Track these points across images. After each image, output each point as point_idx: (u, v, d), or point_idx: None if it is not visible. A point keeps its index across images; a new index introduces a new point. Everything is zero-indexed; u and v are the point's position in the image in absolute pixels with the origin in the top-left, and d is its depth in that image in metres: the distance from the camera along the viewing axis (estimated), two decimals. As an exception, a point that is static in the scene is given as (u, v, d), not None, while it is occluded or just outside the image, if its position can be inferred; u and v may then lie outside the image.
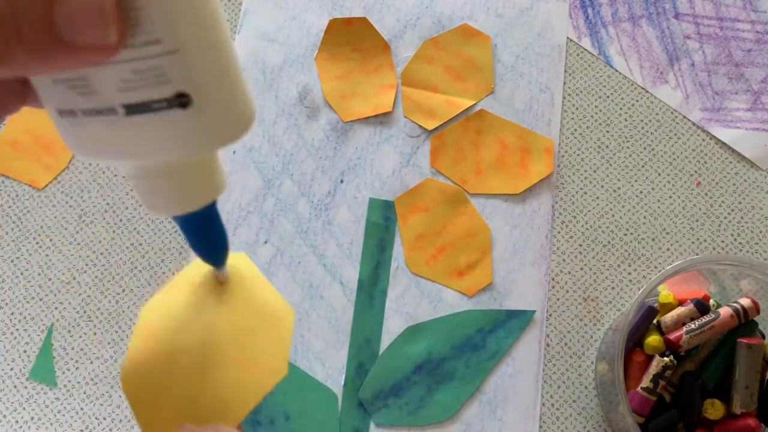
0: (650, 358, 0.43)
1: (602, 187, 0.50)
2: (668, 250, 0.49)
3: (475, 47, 0.53)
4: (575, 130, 0.52)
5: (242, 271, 0.29)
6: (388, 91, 0.52)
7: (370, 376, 0.46)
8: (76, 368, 0.47)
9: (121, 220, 0.50)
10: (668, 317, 0.43)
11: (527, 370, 0.46)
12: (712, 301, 0.45)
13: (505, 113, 0.51)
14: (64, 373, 0.47)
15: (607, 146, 0.51)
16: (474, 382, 0.46)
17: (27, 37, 0.17)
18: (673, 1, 0.54)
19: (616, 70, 0.53)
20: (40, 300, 0.48)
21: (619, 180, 0.50)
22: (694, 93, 0.52)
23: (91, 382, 0.46)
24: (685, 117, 0.52)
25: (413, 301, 0.48)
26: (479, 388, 0.46)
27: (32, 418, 0.46)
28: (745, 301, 0.42)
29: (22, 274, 0.48)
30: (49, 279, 0.48)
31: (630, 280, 0.48)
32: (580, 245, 0.49)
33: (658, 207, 0.50)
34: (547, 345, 0.47)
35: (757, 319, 0.44)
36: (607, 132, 0.52)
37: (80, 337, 0.47)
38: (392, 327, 0.47)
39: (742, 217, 0.50)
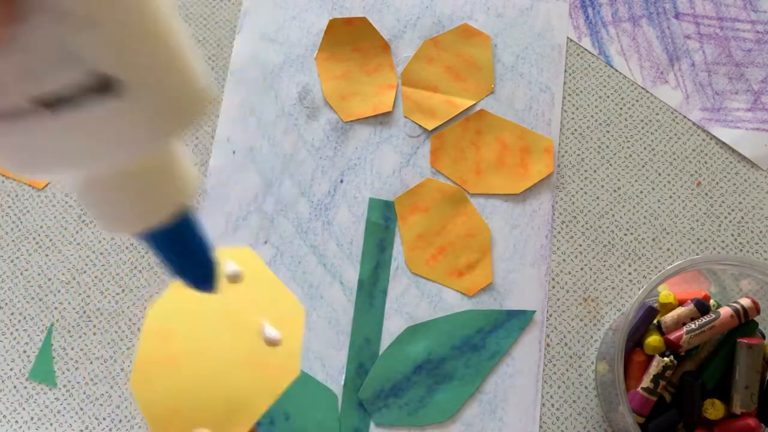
0: (650, 358, 0.43)
1: (602, 187, 0.50)
2: (668, 250, 0.49)
3: (475, 47, 0.53)
4: (575, 130, 0.52)
5: (251, 269, 0.28)
6: (388, 91, 0.52)
7: (370, 376, 0.46)
8: (76, 368, 0.47)
9: (121, 220, 0.50)
10: (668, 317, 0.43)
11: (527, 370, 0.46)
12: (712, 301, 0.45)
13: (505, 113, 0.51)
14: (63, 373, 0.47)
15: (607, 146, 0.51)
16: (474, 382, 0.46)
17: None
18: (673, 1, 0.54)
19: (616, 70, 0.53)
20: (40, 300, 0.48)
21: (619, 180, 0.50)
22: (695, 93, 0.52)
23: (91, 382, 0.46)
24: (685, 117, 0.52)
25: (413, 301, 0.48)
26: (479, 388, 0.46)
27: (32, 418, 0.46)
28: (746, 301, 0.42)
29: (22, 274, 0.48)
30: (49, 279, 0.48)
31: (630, 280, 0.48)
32: (580, 245, 0.49)
33: (658, 207, 0.50)
34: (547, 345, 0.47)
35: (757, 319, 0.44)
36: (607, 132, 0.52)
37: (80, 337, 0.47)
38: (392, 327, 0.47)
39: (742, 217, 0.50)
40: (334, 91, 0.52)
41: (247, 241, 0.49)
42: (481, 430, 0.45)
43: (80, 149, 0.16)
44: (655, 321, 0.44)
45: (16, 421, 0.46)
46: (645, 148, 0.51)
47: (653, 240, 0.49)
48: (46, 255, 0.49)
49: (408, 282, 0.48)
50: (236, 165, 0.50)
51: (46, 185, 0.50)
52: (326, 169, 0.50)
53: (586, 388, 0.46)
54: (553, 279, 0.48)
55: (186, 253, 0.20)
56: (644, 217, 0.50)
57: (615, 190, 0.50)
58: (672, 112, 0.52)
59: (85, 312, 0.48)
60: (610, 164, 0.51)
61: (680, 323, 0.43)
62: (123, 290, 0.48)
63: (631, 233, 0.49)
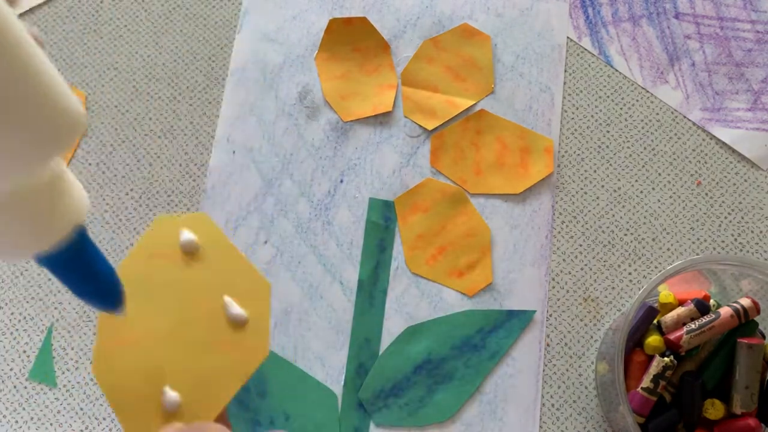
0: (650, 358, 0.43)
1: (602, 187, 0.50)
2: (668, 250, 0.49)
3: (475, 47, 0.53)
4: (575, 130, 0.52)
5: (208, 239, 0.26)
6: (388, 91, 0.52)
7: (370, 376, 0.46)
8: (76, 368, 0.47)
9: (121, 220, 0.50)
10: (668, 317, 0.43)
11: (527, 370, 0.46)
12: (712, 301, 0.45)
13: (505, 113, 0.51)
14: (63, 373, 0.47)
15: (607, 146, 0.51)
16: (474, 382, 0.46)
17: None
18: (673, 1, 0.54)
19: (616, 70, 0.53)
20: (40, 300, 0.48)
21: (619, 180, 0.50)
22: (695, 93, 0.52)
23: (91, 382, 0.46)
24: (685, 117, 0.52)
25: (413, 301, 0.48)
26: (479, 388, 0.46)
27: (32, 418, 0.46)
28: (746, 301, 0.42)
29: (22, 274, 0.48)
30: (49, 279, 0.48)
31: (630, 280, 0.48)
32: (580, 245, 0.49)
33: (658, 207, 0.50)
34: (547, 345, 0.47)
35: (757, 319, 0.44)
36: (607, 132, 0.52)
37: (80, 337, 0.47)
38: (392, 327, 0.47)
39: (742, 217, 0.50)
40: (334, 91, 0.52)
41: (246, 241, 0.49)
42: (481, 430, 0.45)
43: None
44: (655, 321, 0.44)
45: (16, 421, 0.46)
46: (645, 148, 0.51)
47: (653, 240, 0.49)
48: (46, 255, 0.49)
49: (408, 282, 0.48)
50: (236, 165, 0.50)
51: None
52: (326, 169, 0.50)
53: (586, 388, 0.46)
54: (553, 279, 0.48)
55: (84, 273, 0.20)
56: (644, 217, 0.50)
57: (615, 190, 0.50)
58: (672, 112, 0.52)
59: (85, 312, 0.48)
60: (610, 164, 0.51)
61: (680, 323, 0.43)
62: (123, 290, 0.48)
63: (631, 233, 0.49)
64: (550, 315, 0.48)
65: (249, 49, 0.53)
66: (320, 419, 0.45)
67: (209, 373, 0.24)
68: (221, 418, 0.28)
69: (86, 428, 0.46)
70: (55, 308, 0.48)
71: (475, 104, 0.52)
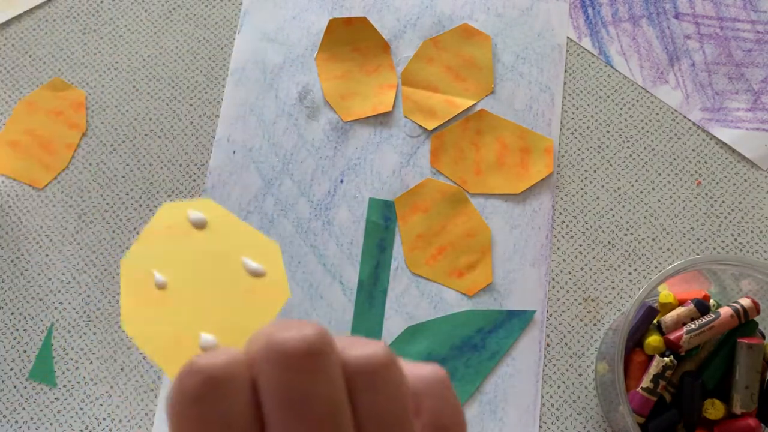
0: (650, 358, 0.43)
1: (602, 187, 0.50)
2: (668, 250, 0.49)
3: (475, 47, 0.53)
4: (575, 130, 0.52)
5: (215, 215, 0.29)
6: (388, 91, 0.52)
7: (370, 376, 0.46)
8: (76, 368, 0.47)
9: (121, 220, 0.50)
10: (668, 317, 0.43)
11: (527, 370, 0.46)
12: (712, 301, 0.45)
13: (505, 113, 0.51)
14: (63, 373, 0.47)
15: (607, 146, 0.51)
16: (474, 382, 0.46)
17: None
18: (673, 1, 0.54)
19: (616, 70, 0.53)
20: (40, 300, 0.48)
21: (619, 180, 0.50)
22: (695, 93, 0.52)
23: (91, 382, 0.46)
24: (685, 117, 0.52)
25: (413, 301, 0.48)
26: (479, 388, 0.46)
27: (32, 418, 0.46)
28: (746, 301, 0.42)
29: (22, 274, 0.48)
30: (49, 279, 0.48)
31: (630, 280, 0.48)
32: (580, 245, 0.49)
33: (658, 207, 0.50)
34: (547, 345, 0.47)
35: (757, 319, 0.44)
36: (607, 132, 0.52)
37: (80, 337, 0.47)
38: (392, 327, 0.47)
39: (742, 217, 0.50)
40: (334, 91, 0.52)
41: (247, 241, 0.49)
42: (481, 430, 0.45)
43: None
44: (655, 321, 0.44)
45: (16, 421, 0.46)
46: (645, 148, 0.51)
47: (653, 240, 0.49)
48: (46, 255, 0.49)
49: (408, 282, 0.48)
50: (236, 165, 0.50)
51: (46, 185, 0.50)
52: (326, 169, 0.50)
53: (586, 388, 0.46)
54: (553, 279, 0.48)
55: None
56: (644, 217, 0.50)
57: (615, 190, 0.50)
58: (672, 112, 0.52)
59: (85, 312, 0.48)
60: (610, 164, 0.51)
61: (680, 323, 0.43)
62: (123, 290, 0.48)
63: (631, 233, 0.49)
64: (550, 315, 0.48)
65: (249, 49, 0.53)
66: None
67: (238, 318, 0.26)
68: None
69: (86, 428, 0.46)
70: (55, 308, 0.48)
71: (475, 104, 0.52)
